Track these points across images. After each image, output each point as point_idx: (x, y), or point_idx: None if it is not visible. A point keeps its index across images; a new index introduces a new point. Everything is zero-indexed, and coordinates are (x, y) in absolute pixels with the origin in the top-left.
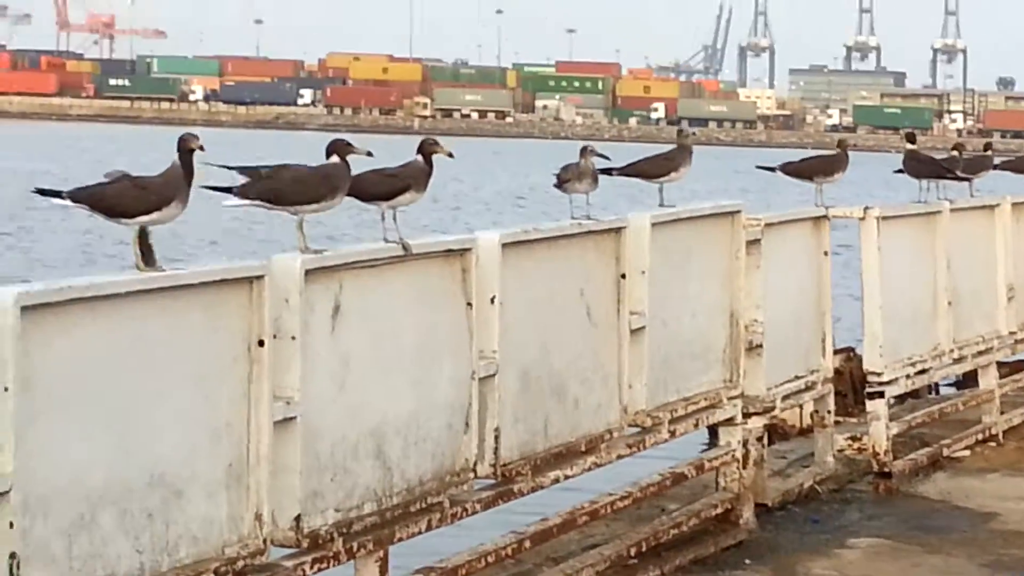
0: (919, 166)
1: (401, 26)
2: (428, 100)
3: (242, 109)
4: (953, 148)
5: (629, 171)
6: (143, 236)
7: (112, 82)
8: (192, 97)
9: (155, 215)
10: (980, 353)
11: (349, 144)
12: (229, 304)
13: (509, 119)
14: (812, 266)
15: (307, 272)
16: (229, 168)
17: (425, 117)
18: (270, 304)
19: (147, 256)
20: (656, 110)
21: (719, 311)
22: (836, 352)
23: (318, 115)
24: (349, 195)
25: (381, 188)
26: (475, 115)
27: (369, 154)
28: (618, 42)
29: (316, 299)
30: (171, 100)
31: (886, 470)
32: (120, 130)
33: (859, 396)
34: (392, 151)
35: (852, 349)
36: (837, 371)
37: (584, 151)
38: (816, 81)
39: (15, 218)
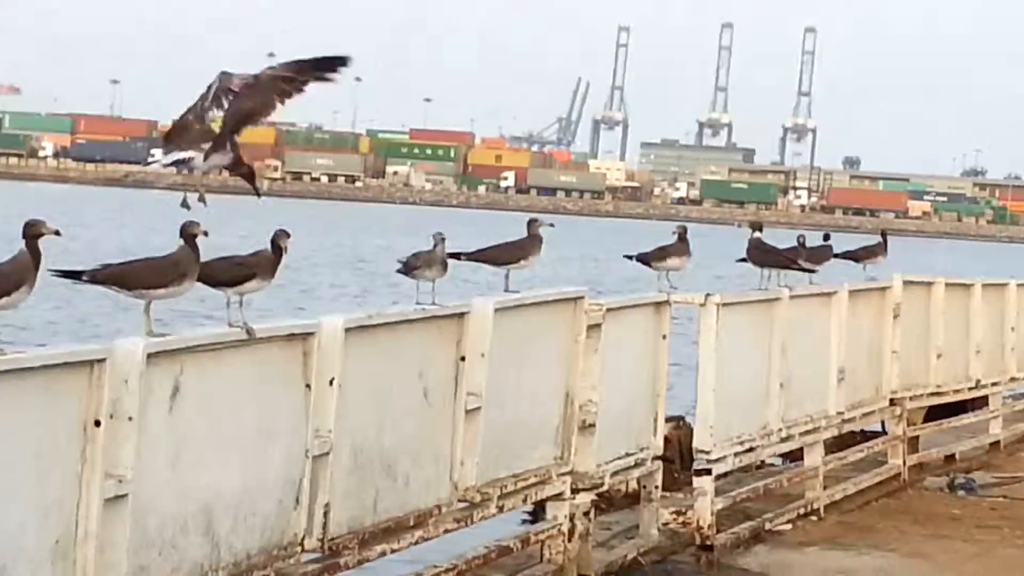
0: (763, 255)
1: None
2: (279, 163)
3: (91, 167)
4: (797, 239)
5: (479, 257)
6: None
7: None
8: (42, 153)
9: (3, 300)
10: (807, 432)
11: (197, 224)
12: (68, 385)
13: (359, 184)
14: (650, 349)
15: (149, 355)
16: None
17: (275, 179)
18: (110, 386)
19: None
20: (506, 178)
21: (556, 392)
22: (667, 420)
23: (167, 174)
24: (198, 280)
25: (228, 275)
26: (325, 179)
27: (206, 234)
28: (473, 112)
29: (156, 381)
30: (20, 156)
31: (709, 543)
32: None
33: (685, 463)
34: (243, 212)
35: (682, 417)
36: (666, 439)
37: (435, 239)
38: (667, 155)
39: None
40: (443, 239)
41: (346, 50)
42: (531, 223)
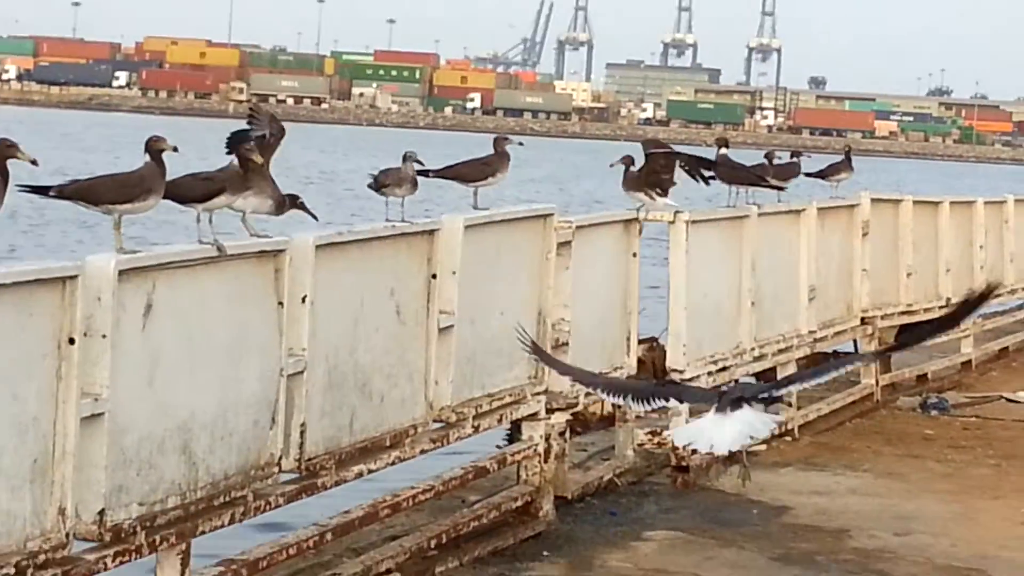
0: (731, 172)
1: (220, 11)
2: (244, 85)
3: (55, 89)
4: (764, 156)
5: (447, 174)
6: None
7: None
8: (5, 76)
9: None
10: (780, 351)
11: (164, 139)
12: (41, 303)
13: (325, 105)
14: (621, 267)
15: (120, 272)
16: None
17: (240, 102)
18: (82, 303)
19: None
20: (472, 100)
21: (528, 310)
22: (641, 342)
23: (132, 97)
24: (166, 198)
25: (196, 191)
26: (291, 101)
27: (175, 149)
28: (438, 33)
29: (128, 298)
30: None
31: (684, 464)
32: None
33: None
34: (206, 135)
35: (656, 339)
36: (640, 360)
37: (406, 157)
38: (632, 76)
39: None
40: (413, 157)
41: None
42: (498, 140)
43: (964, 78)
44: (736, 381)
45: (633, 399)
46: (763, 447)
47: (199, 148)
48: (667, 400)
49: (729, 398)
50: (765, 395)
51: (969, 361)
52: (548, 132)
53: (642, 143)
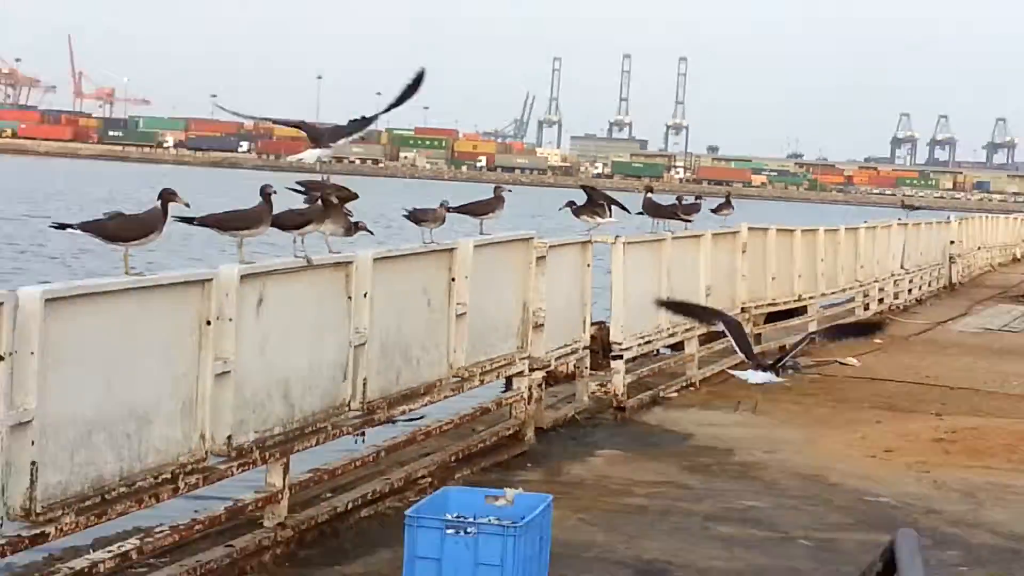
0: (655, 209)
1: (310, 99)
2: None
3: (200, 154)
4: (676, 199)
5: (461, 210)
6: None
7: (110, 133)
8: (165, 145)
9: (143, 241)
10: (687, 330)
11: (270, 185)
12: (188, 297)
13: (380, 165)
14: (579, 274)
15: (241, 277)
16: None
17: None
18: (215, 297)
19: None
20: (480, 161)
21: (516, 302)
22: (593, 324)
23: (251, 159)
24: (273, 226)
25: (294, 221)
26: (358, 161)
27: (276, 193)
28: (457, 115)
29: (246, 294)
30: (151, 147)
31: (622, 406)
32: (114, 166)
33: (606, 354)
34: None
35: (603, 322)
36: (592, 336)
37: (442, 204)
38: (589, 144)
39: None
40: (447, 204)
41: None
42: (497, 188)
43: (811, 144)
44: (657, 350)
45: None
46: (675, 394)
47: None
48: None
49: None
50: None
51: (814, 337)
52: (531, 183)
53: (580, 186)
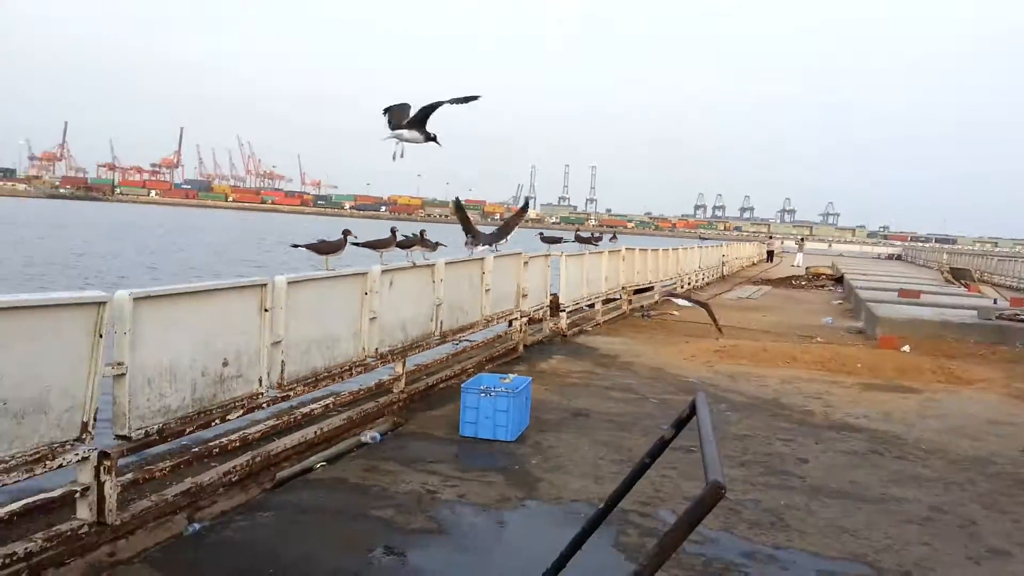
0: (581, 239)
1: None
2: (422, 210)
3: (360, 212)
4: (593, 231)
5: (486, 239)
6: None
7: (318, 202)
8: (345, 208)
9: (335, 255)
10: (596, 298)
11: (348, 231)
12: (252, 295)
13: (447, 216)
14: (544, 270)
15: (382, 271)
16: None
17: (421, 216)
18: (271, 295)
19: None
20: (497, 215)
21: (513, 285)
22: (551, 295)
23: (387, 215)
24: (399, 246)
25: (406, 244)
26: (439, 215)
27: (351, 232)
28: (483, 193)
29: (384, 280)
30: (337, 208)
31: (565, 334)
32: (320, 218)
33: (557, 309)
34: (411, 227)
35: (556, 294)
36: (551, 300)
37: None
38: (548, 207)
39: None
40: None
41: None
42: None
43: (655, 205)
44: (583, 307)
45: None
46: (591, 328)
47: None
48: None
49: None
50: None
51: (656, 301)
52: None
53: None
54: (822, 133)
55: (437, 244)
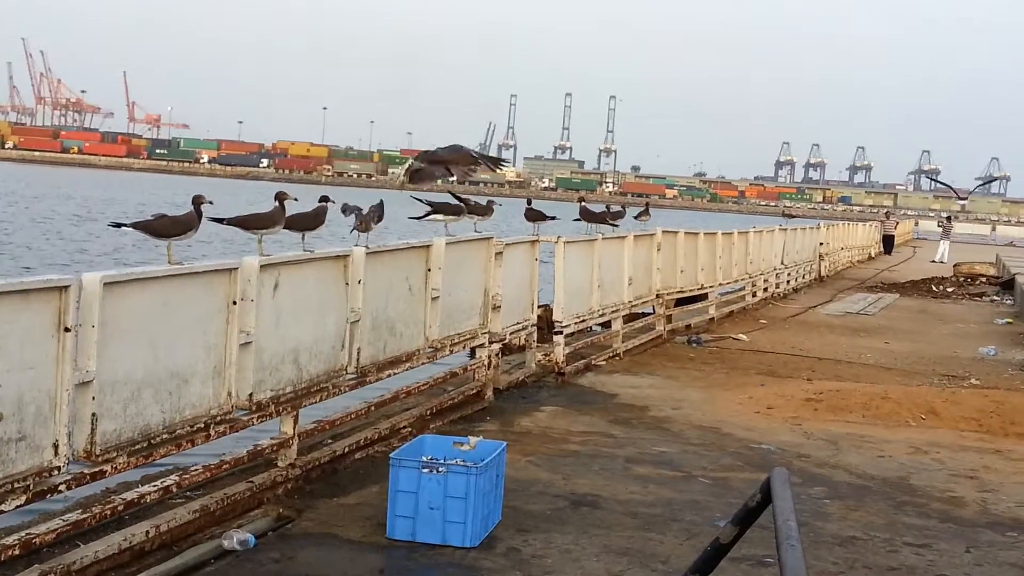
0: (589, 215)
1: (317, 125)
2: (329, 167)
3: (228, 168)
4: (606, 207)
5: (434, 210)
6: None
7: (158, 151)
8: (201, 161)
9: (182, 237)
10: (613, 312)
11: (286, 193)
12: (218, 282)
13: (373, 179)
14: (529, 267)
15: (261, 266)
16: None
17: (328, 176)
18: (240, 283)
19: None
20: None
21: (479, 288)
22: (540, 307)
23: (270, 173)
24: (286, 227)
25: (300, 224)
26: (355, 176)
27: (296, 200)
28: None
29: (265, 280)
30: (189, 162)
31: (562, 371)
32: (160, 177)
33: (550, 329)
34: (313, 197)
35: (548, 305)
36: (539, 316)
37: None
38: (537, 163)
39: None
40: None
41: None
42: (456, 196)
43: (712, 165)
44: (590, 327)
45: None
46: (604, 362)
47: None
48: None
49: None
50: None
51: (712, 318)
52: (493, 195)
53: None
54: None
55: (490, 206)
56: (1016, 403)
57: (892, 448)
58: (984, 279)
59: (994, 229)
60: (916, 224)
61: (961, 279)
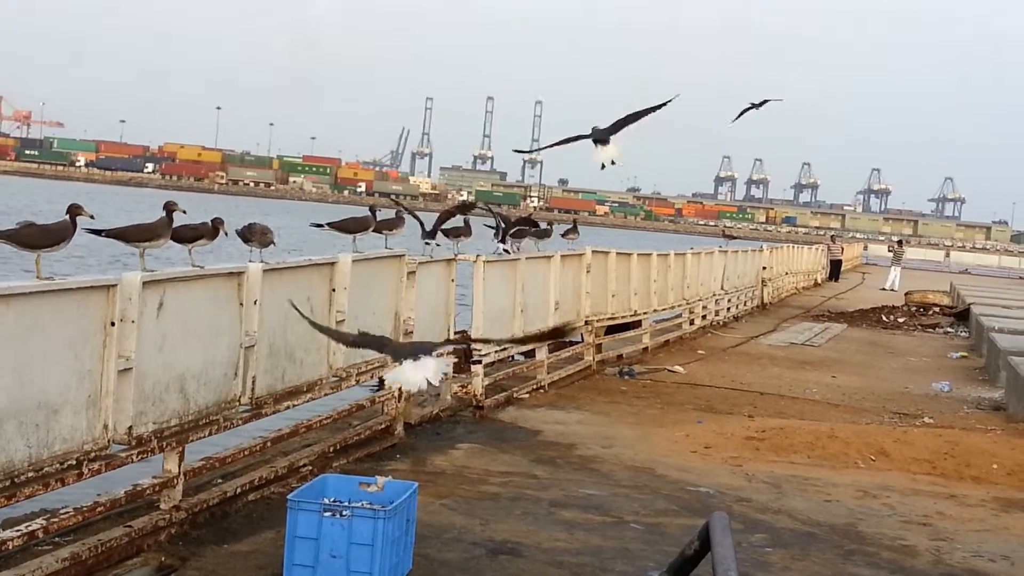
0: (508, 229)
1: (210, 127)
2: (224, 174)
3: (108, 173)
4: (533, 215)
5: (335, 226)
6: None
7: (27, 152)
8: (77, 164)
9: (53, 248)
10: (536, 338)
11: (174, 203)
12: (93, 301)
13: (272, 188)
14: (444, 288)
15: (144, 283)
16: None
17: (221, 184)
18: (120, 301)
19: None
20: (360, 186)
21: (389, 312)
22: (457, 332)
23: (156, 179)
24: (172, 240)
25: (187, 236)
26: (252, 184)
27: (184, 212)
28: (340, 146)
29: (148, 298)
30: (64, 165)
31: (480, 405)
32: (29, 182)
33: (467, 359)
34: (205, 207)
35: (465, 331)
36: (458, 343)
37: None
38: (455, 174)
39: None
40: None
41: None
42: (371, 208)
43: (647, 180)
44: (512, 356)
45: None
46: (527, 395)
47: (198, 213)
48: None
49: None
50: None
51: (647, 347)
52: (406, 207)
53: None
54: (936, 71)
55: (400, 218)
56: (971, 444)
57: (839, 492)
58: (937, 309)
59: (948, 255)
60: (865, 248)
61: (913, 309)
